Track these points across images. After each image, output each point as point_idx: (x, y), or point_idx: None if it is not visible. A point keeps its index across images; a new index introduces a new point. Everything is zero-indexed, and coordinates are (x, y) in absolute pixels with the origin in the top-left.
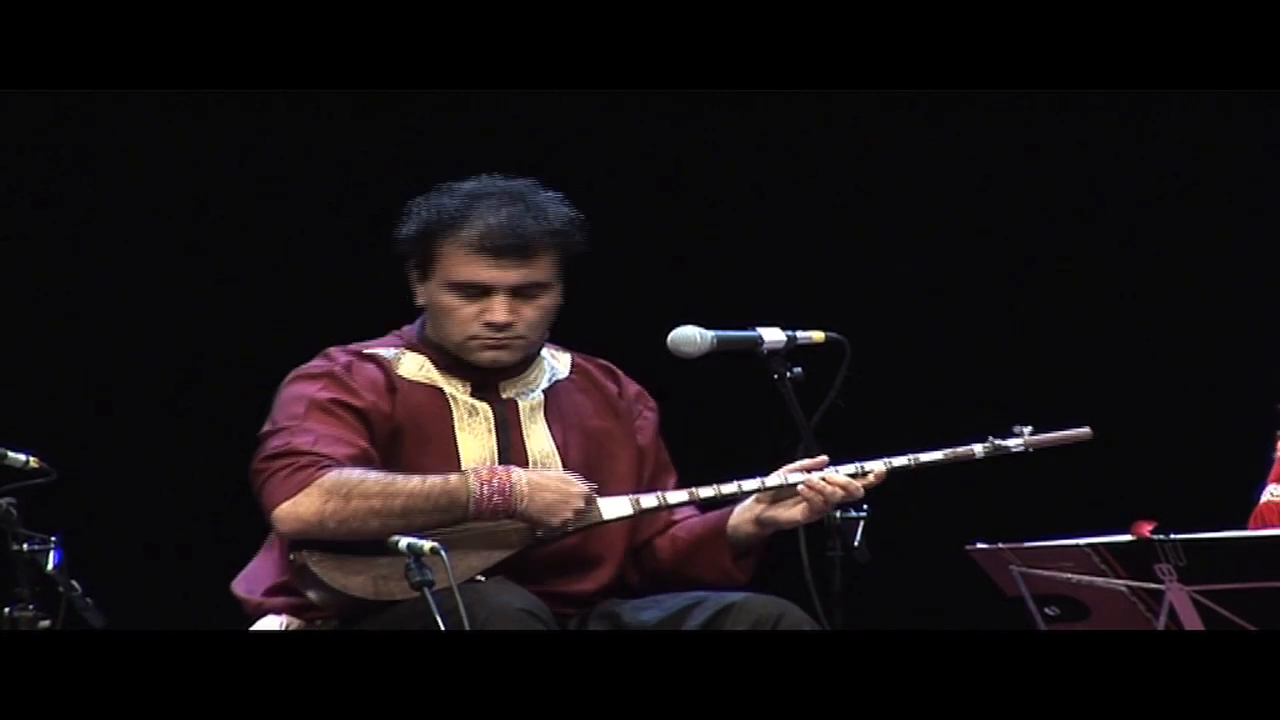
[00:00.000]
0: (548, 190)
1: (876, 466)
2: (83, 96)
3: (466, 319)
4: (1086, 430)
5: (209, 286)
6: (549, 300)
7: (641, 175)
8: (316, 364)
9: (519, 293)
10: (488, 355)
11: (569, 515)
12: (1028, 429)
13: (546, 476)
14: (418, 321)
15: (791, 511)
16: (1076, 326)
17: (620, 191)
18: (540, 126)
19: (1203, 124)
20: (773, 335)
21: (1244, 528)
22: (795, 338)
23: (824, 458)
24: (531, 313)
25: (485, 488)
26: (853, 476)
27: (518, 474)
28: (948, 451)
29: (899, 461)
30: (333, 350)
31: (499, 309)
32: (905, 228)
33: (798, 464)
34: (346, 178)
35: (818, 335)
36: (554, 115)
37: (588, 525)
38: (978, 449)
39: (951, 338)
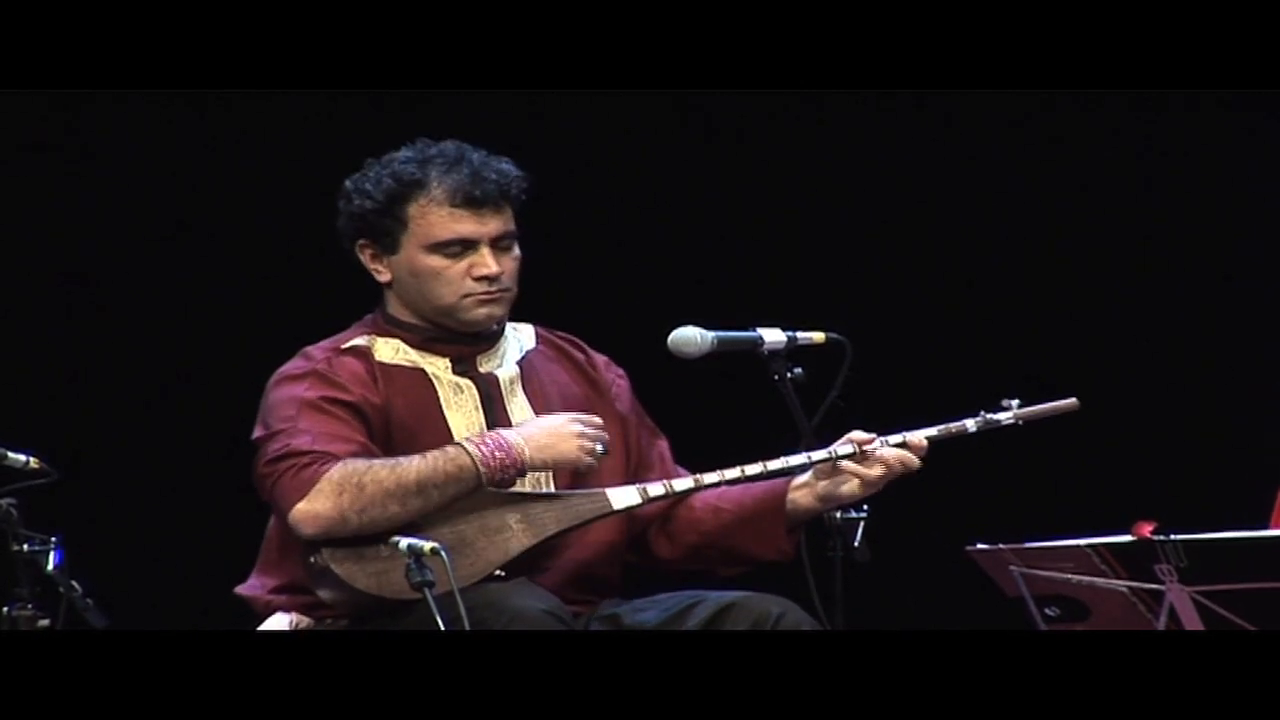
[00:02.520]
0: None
1: (919, 435)
2: (83, 96)
3: (456, 277)
4: (1074, 401)
5: (210, 286)
6: (518, 252)
7: (642, 175)
8: (297, 364)
9: (497, 244)
10: (483, 311)
11: (579, 443)
12: (1015, 402)
13: (527, 425)
14: (377, 308)
15: (850, 486)
16: (1078, 327)
17: (621, 191)
18: (540, 126)
19: (1206, 118)
20: (773, 336)
21: (1246, 527)
22: (795, 338)
23: (864, 434)
24: (510, 264)
25: (484, 448)
26: (899, 446)
27: (504, 431)
28: (941, 428)
29: (893, 440)
30: (309, 349)
31: (489, 260)
32: (905, 228)
33: (847, 437)
34: (345, 177)
35: (818, 336)
36: (554, 115)
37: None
38: (970, 424)
39: (952, 338)
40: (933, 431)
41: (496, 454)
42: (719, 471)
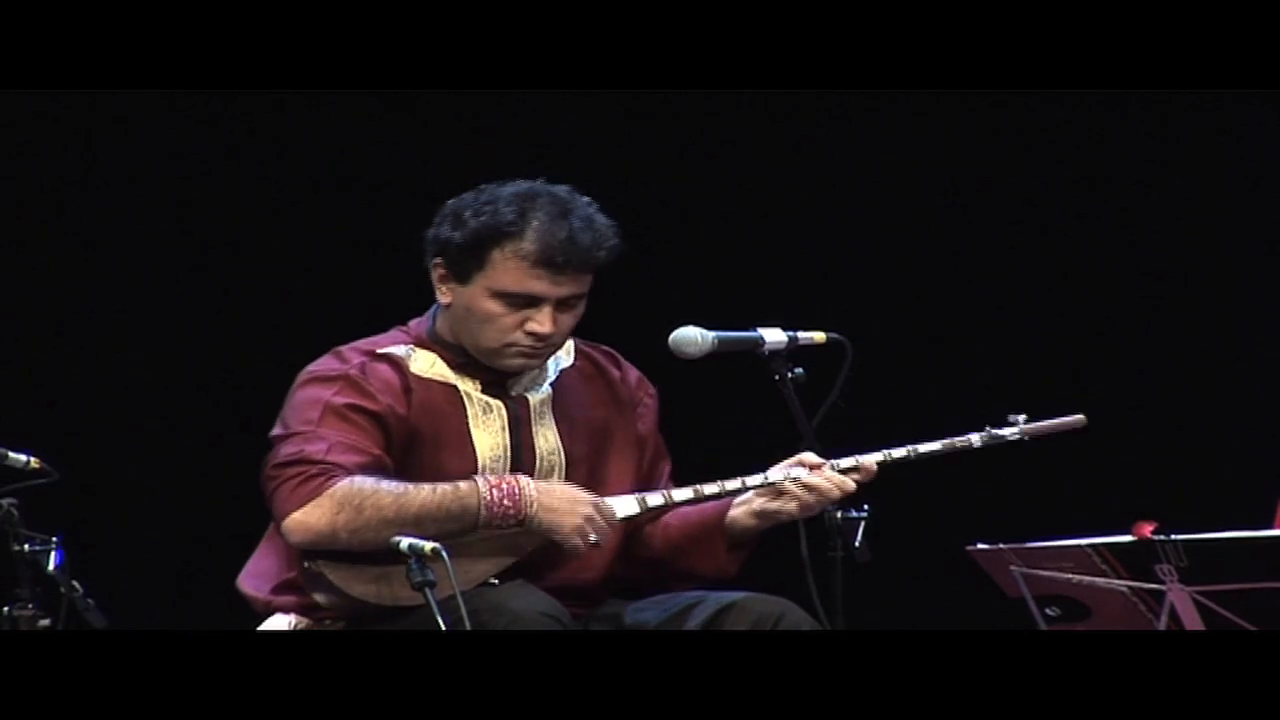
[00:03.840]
0: (584, 196)
1: (872, 459)
2: (83, 96)
3: (508, 328)
4: (1080, 418)
5: (209, 286)
6: (582, 308)
7: (643, 175)
8: (330, 365)
9: (561, 303)
10: (518, 362)
11: (582, 524)
12: (1022, 417)
13: (555, 488)
14: (427, 316)
15: (789, 505)
16: (1078, 326)
17: (621, 191)
18: (541, 126)
19: (1207, 120)
20: (774, 336)
21: (1246, 527)
22: (796, 338)
23: (815, 458)
24: (568, 321)
25: (495, 492)
26: (849, 470)
27: (526, 480)
28: (946, 442)
29: (898, 453)
30: (344, 350)
31: (545, 320)
32: (905, 228)
33: (797, 458)
34: (346, 176)
35: (819, 336)
36: (555, 115)
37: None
38: (975, 438)
39: (953, 339)
40: (937, 446)
41: (504, 502)
42: (720, 482)
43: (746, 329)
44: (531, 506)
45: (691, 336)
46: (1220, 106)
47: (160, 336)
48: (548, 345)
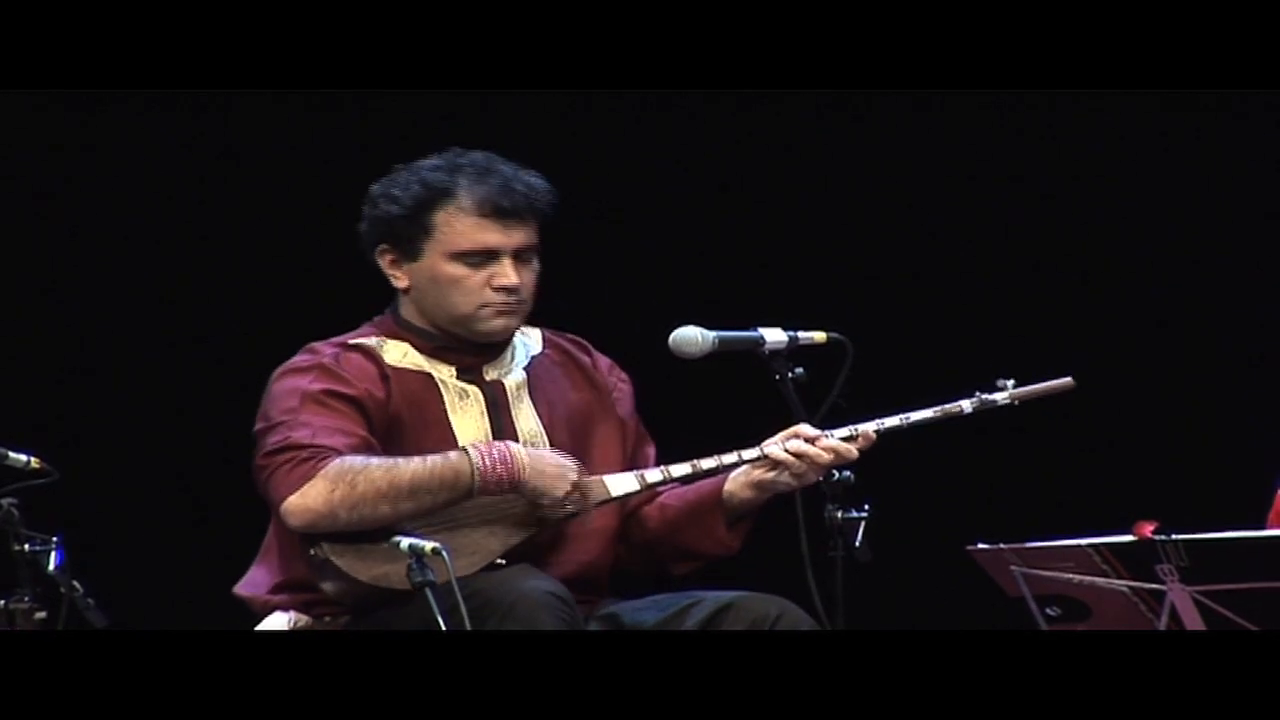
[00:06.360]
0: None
1: (868, 428)
2: (83, 96)
3: (475, 287)
4: (1069, 380)
5: (209, 286)
6: (537, 266)
7: (643, 175)
8: (302, 358)
9: (518, 256)
10: (499, 322)
11: (568, 488)
12: (1010, 382)
13: (544, 454)
14: (389, 310)
15: (784, 476)
16: (1079, 325)
17: (621, 191)
18: (540, 127)
19: (1204, 115)
20: (774, 336)
21: (1247, 527)
22: (797, 338)
23: (812, 429)
24: (529, 277)
25: (487, 459)
26: (848, 439)
27: (516, 446)
28: (938, 409)
29: (890, 422)
30: (315, 344)
31: (509, 271)
32: (905, 227)
33: (792, 430)
34: (343, 177)
35: (819, 335)
36: (554, 115)
37: (596, 504)
38: (966, 405)
39: (954, 339)
40: (929, 413)
41: (498, 467)
42: (716, 457)
43: (747, 329)
44: (524, 472)
45: (692, 336)
46: (1220, 106)
47: (160, 336)
48: (519, 301)
